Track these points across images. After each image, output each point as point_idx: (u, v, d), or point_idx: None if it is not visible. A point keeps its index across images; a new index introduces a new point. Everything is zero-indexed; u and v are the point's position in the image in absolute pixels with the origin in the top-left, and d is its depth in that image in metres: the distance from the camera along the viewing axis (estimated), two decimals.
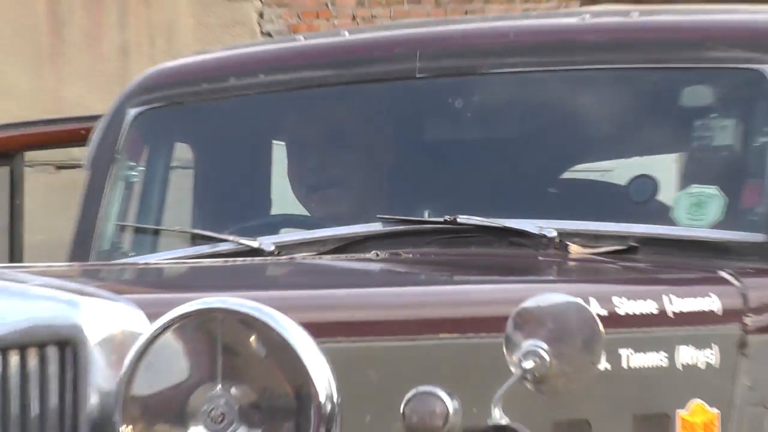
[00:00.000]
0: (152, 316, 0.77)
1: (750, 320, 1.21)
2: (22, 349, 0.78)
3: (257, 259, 1.42)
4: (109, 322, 0.79)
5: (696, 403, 1.13)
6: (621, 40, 1.54)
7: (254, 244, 1.46)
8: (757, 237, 1.32)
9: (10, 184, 2.25)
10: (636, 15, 1.57)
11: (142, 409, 0.75)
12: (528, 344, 0.81)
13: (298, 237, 1.54)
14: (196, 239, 1.57)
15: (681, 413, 1.12)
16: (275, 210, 1.68)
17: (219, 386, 0.74)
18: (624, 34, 1.57)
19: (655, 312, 1.14)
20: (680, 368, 1.14)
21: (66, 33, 5.04)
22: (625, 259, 1.36)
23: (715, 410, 1.13)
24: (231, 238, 1.50)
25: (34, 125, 2.36)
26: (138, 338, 0.75)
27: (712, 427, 1.13)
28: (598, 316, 0.87)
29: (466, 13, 4.80)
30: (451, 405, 0.78)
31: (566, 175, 1.60)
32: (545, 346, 0.81)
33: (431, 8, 4.95)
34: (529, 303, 0.84)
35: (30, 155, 2.50)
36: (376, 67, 1.57)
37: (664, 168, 1.48)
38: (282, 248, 1.47)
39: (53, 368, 0.78)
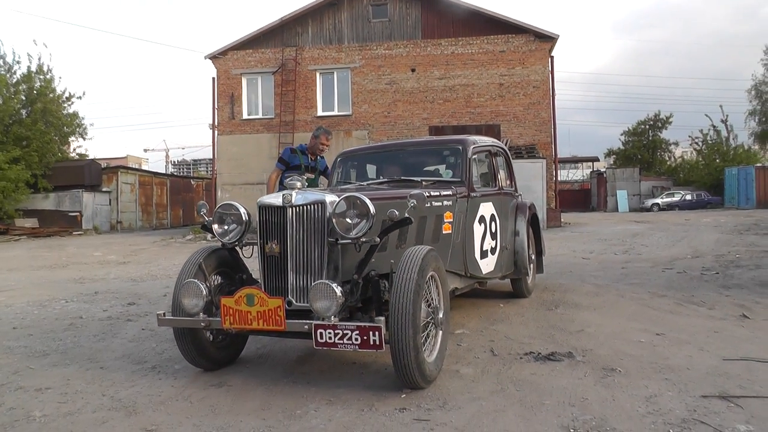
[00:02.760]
0: (340, 196, 3.81)
1: (456, 196, 4.67)
2: (306, 206, 3.78)
3: (363, 185, 4.78)
4: (331, 199, 3.79)
5: (447, 212, 4.49)
6: (437, 141, 5.42)
7: (364, 183, 4.99)
8: (457, 179, 4.88)
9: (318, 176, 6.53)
10: (438, 136, 6.05)
11: (339, 215, 3.74)
12: (412, 201, 3.90)
13: (373, 182, 5.03)
14: (353, 183, 5.18)
15: (445, 217, 4.44)
16: (369, 176, 5.29)
17: (351, 210, 3.78)
18: (436, 141, 5.45)
19: (440, 194, 4.51)
20: (445, 204, 4.52)
21: None
22: (435, 185, 4.73)
23: (452, 215, 4.56)
24: (359, 183, 4.96)
25: None
26: (335, 201, 3.79)
27: (451, 220, 4.50)
28: (426, 195, 4.08)
29: None
30: (396, 214, 3.84)
31: (424, 169, 5.15)
32: (415, 201, 3.89)
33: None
34: (412, 192, 3.95)
35: None
36: (389, 148, 5.37)
37: (443, 167, 5.03)
38: (370, 184, 4.83)
39: (318, 211, 3.76)
